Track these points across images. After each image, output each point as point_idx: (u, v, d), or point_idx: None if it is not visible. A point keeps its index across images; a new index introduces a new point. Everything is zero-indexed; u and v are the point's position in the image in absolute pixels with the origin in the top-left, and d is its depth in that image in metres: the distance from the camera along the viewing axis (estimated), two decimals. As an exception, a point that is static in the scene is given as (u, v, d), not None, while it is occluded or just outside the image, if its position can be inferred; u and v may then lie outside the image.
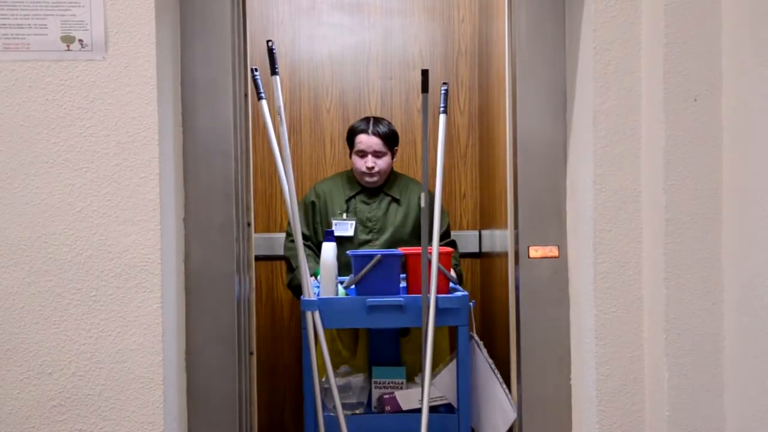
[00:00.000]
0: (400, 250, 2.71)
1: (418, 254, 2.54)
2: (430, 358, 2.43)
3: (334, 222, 3.19)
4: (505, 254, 2.46)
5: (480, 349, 2.61)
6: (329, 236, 2.68)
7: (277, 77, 2.41)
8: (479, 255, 3.69)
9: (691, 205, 1.87)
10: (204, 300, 2.05)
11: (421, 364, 2.48)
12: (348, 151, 3.28)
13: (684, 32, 1.86)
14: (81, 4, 1.82)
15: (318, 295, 2.60)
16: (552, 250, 2.14)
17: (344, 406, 2.56)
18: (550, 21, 2.12)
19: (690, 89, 1.86)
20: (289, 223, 3.28)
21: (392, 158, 3.23)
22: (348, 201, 3.23)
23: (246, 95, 2.17)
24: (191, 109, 2.04)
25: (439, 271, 2.51)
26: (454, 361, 2.65)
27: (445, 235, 3.13)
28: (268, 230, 3.66)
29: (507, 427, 2.35)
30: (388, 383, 2.76)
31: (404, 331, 3.02)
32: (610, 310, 1.97)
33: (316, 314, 2.49)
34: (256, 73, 2.48)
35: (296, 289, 3.15)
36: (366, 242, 3.18)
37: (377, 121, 3.22)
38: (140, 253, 1.83)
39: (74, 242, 1.83)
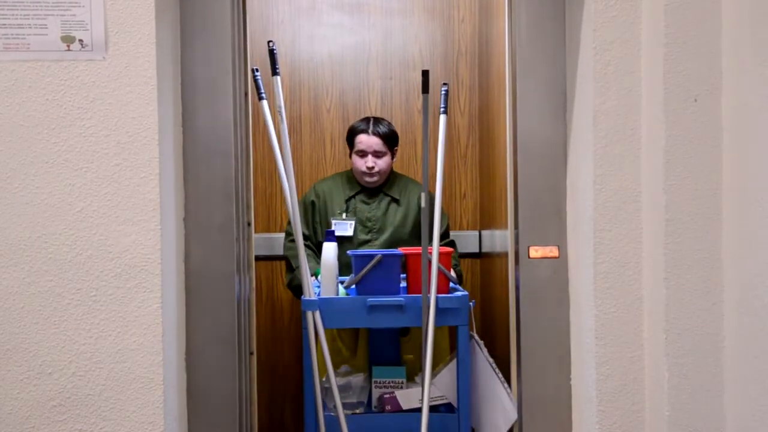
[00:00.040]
0: (401, 250, 2.71)
1: (419, 254, 2.54)
2: (430, 357, 2.43)
3: (333, 222, 3.19)
4: (505, 254, 2.46)
5: (480, 349, 2.61)
6: (330, 236, 2.69)
7: (278, 77, 2.42)
8: (479, 255, 3.69)
9: (691, 205, 1.87)
10: (204, 300, 2.05)
11: (421, 364, 2.48)
12: (348, 151, 3.29)
13: (684, 32, 1.86)
14: (81, 4, 1.82)
15: (318, 294, 2.60)
16: (552, 250, 2.14)
17: (344, 405, 2.56)
18: (550, 20, 2.12)
19: (690, 89, 1.86)
20: (288, 223, 3.29)
21: (392, 158, 3.23)
22: (348, 201, 3.23)
23: (246, 95, 2.17)
24: (191, 109, 2.04)
25: (439, 271, 2.51)
26: (454, 361, 2.65)
27: (444, 236, 3.13)
28: (268, 230, 3.66)
29: (508, 427, 2.35)
30: (389, 383, 2.76)
31: (404, 331, 3.02)
32: (610, 310, 1.97)
33: (317, 314, 2.49)
34: (257, 74, 2.48)
35: (296, 289, 3.15)
36: (365, 242, 3.18)
37: (377, 121, 3.22)
38: (140, 253, 1.83)
39: (74, 242, 1.83)
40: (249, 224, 2.21)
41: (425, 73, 2.47)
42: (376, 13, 3.71)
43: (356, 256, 2.63)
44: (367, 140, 3.15)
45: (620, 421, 1.98)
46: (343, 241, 3.09)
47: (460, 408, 2.59)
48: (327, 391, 2.58)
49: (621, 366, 1.98)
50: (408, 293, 2.62)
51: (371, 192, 3.25)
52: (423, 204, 2.51)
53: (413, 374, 2.83)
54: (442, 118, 2.60)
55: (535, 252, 2.14)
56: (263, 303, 3.67)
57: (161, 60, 1.86)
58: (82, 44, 1.82)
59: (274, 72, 2.41)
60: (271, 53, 2.40)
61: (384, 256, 2.57)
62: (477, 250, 3.68)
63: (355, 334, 3.10)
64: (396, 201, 3.24)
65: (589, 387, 2.01)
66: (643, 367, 1.98)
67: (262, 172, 3.63)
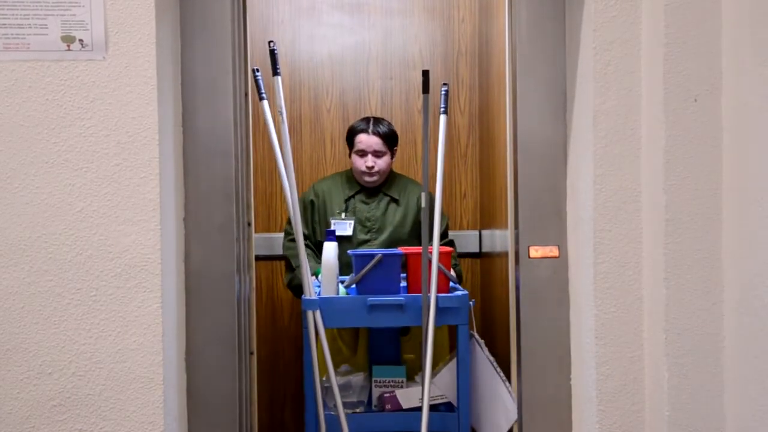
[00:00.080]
0: (401, 250, 2.71)
1: (419, 254, 2.54)
2: (430, 357, 2.43)
3: (332, 221, 3.19)
4: (505, 254, 2.46)
5: (481, 348, 2.61)
6: (330, 236, 2.69)
7: (279, 77, 2.42)
8: (479, 255, 3.69)
9: (691, 205, 1.87)
10: (204, 300, 2.05)
11: (422, 363, 2.48)
12: (348, 151, 3.29)
13: (684, 32, 1.86)
14: (81, 4, 1.82)
15: (319, 294, 2.60)
16: (552, 250, 2.14)
17: (345, 404, 2.56)
18: (550, 20, 2.12)
19: (690, 89, 1.86)
20: (287, 222, 3.29)
21: (391, 158, 3.23)
22: (347, 201, 3.23)
23: (246, 95, 2.17)
24: (191, 109, 2.04)
25: (439, 271, 2.51)
26: (454, 360, 2.65)
27: (443, 235, 3.13)
28: (268, 230, 3.66)
29: (509, 425, 2.35)
30: (389, 382, 2.76)
31: (405, 330, 3.02)
32: (610, 310, 1.97)
33: (317, 313, 2.49)
34: (257, 74, 2.48)
35: (296, 288, 3.15)
36: (364, 242, 3.19)
37: (377, 121, 3.22)
38: (140, 253, 1.83)
39: (74, 242, 1.83)
40: (249, 224, 2.21)
41: (425, 73, 2.47)
42: (376, 13, 3.70)
43: (356, 256, 2.63)
44: (367, 140, 3.15)
45: (620, 421, 1.98)
46: (342, 241, 3.09)
47: (460, 407, 2.59)
48: (327, 390, 2.59)
49: (621, 366, 1.98)
50: (408, 293, 2.63)
51: (370, 192, 3.25)
52: (423, 204, 2.51)
53: (413, 373, 2.83)
54: (442, 118, 2.60)
55: (535, 252, 2.14)
56: (263, 303, 3.67)
57: (161, 60, 1.86)
58: (82, 44, 1.82)
59: (275, 72, 2.41)
60: (272, 53, 2.40)
61: (384, 255, 2.57)
62: (477, 250, 3.68)
63: (356, 334, 3.10)
64: (395, 201, 3.24)
65: (589, 387, 2.01)
66: (643, 367, 1.98)
67: (262, 172, 3.63)
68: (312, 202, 3.26)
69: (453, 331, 2.67)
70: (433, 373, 2.57)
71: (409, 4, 3.71)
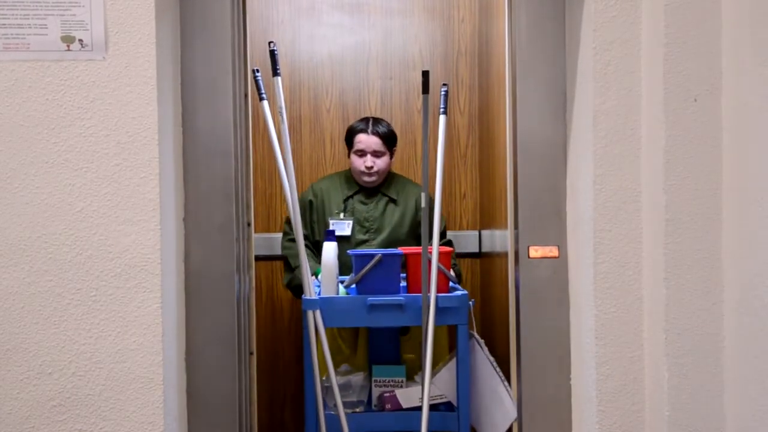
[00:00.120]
0: (400, 250, 2.71)
1: (418, 254, 2.54)
2: (430, 356, 2.43)
3: (331, 221, 3.19)
4: (505, 254, 2.46)
5: (481, 347, 2.61)
6: (330, 236, 2.69)
7: (279, 78, 2.42)
8: (479, 255, 3.69)
9: (691, 205, 1.87)
10: (204, 300, 2.05)
11: (421, 363, 2.48)
12: (347, 151, 3.29)
13: (684, 32, 1.86)
14: (81, 4, 1.82)
15: (318, 294, 2.60)
16: (552, 250, 2.14)
17: (345, 404, 2.56)
18: (550, 20, 2.12)
19: (690, 89, 1.86)
20: (286, 222, 3.29)
21: (390, 158, 3.23)
22: (346, 201, 3.24)
23: (246, 95, 2.17)
24: (191, 109, 2.04)
25: (439, 271, 2.51)
26: (454, 360, 2.65)
27: (441, 235, 3.13)
28: (268, 230, 3.66)
29: (507, 425, 2.35)
30: (389, 382, 2.77)
31: (404, 330, 3.03)
32: (610, 310, 1.97)
33: (317, 313, 2.49)
34: (257, 74, 2.48)
35: (295, 288, 3.15)
36: (363, 242, 3.19)
37: (376, 121, 3.23)
38: (140, 253, 1.83)
39: (74, 242, 1.82)
40: (249, 224, 2.21)
41: (425, 74, 2.47)
42: (376, 13, 3.71)
43: (356, 256, 2.63)
44: (366, 140, 3.16)
45: (620, 421, 1.98)
46: (340, 241, 3.09)
47: (459, 407, 2.59)
48: (327, 390, 2.59)
49: (621, 366, 1.98)
50: (408, 292, 2.63)
51: (369, 192, 3.25)
52: (423, 204, 2.51)
53: (413, 373, 2.83)
54: (442, 118, 2.60)
55: (535, 252, 2.14)
56: (263, 303, 3.67)
57: (161, 60, 1.86)
58: (82, 44, 1.82)
59: (275, 72, 2.41)
60: (272, 54, 2.40)
61: (384, 255, 2.57)
62: (477, 250, 3.68)
63: (355, 333, 3.10)
64: (394, 201, 3.24)
65: (589, 387, 2.01)
66: (643, 367, 1.98)
67: (262, 172, 3.63)
68: (311, 202, 3.26)
69: (453, 331, 2.67)
70: (433, 373, 2.57)
71: (409, 4, 3.71)
